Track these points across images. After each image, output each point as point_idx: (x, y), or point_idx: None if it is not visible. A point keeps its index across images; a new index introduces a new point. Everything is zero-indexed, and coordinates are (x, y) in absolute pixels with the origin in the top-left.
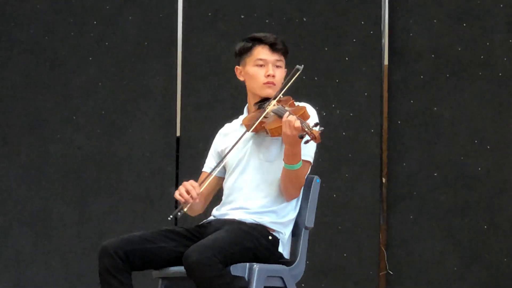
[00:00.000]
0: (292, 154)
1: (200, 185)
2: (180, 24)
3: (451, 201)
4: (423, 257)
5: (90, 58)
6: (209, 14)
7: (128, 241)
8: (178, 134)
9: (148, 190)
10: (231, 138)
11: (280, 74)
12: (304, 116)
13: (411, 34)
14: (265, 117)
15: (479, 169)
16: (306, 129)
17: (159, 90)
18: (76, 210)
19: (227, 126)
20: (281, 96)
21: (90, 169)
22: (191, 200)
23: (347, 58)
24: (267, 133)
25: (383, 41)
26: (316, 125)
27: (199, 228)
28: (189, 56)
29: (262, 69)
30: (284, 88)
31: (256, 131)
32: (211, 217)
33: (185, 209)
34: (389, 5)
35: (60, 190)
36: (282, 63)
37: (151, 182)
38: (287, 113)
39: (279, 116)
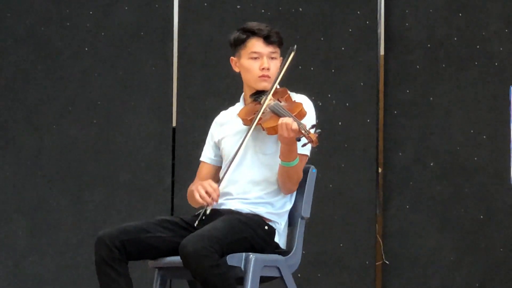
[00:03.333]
0: (288, 152)
1: (218, 185)
2: (176, 14)
3: (447, 191)
4: (419, 247)
5: (86, 49)
6: (205, 4)
7: (124, 231)
8: (174, 124)
9: (144, 181)
10: (227, 128)
11: (275, 65)
12: (300, 114)
13: (407, 24)
14: (262, 112)
15: (475, 159)
16: (303, 132)
17: (155, 80)
18: (72, 201)
19: (223, 114)
20: (277, 87)
21: (86, 160)
22: (213, 203)
23: (343, 48)
24: (263, 129)
25: (379, 30)
26: (313, 127)
27: (196, 218)
28: (185, 46)
29: (257, 62)
30: (281, 73)
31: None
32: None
33: (208, 211)
34: None
35: (56, 181)
36: (277, 55)
37: (147, 173)
38: (285, 115)
39: (276, 114)
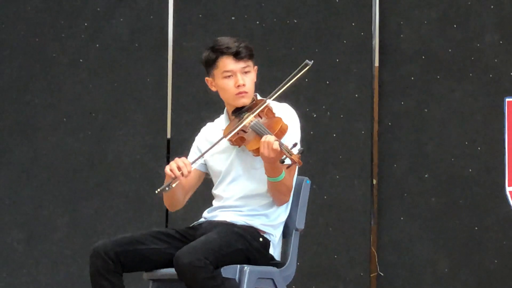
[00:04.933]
0: (272, 169)
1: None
2: (171, 25)
3: (442, 202)
4: (414, 259)
5: (81, 60)
6: (200, 15)
7: (119, 242)
8: (168, 136)
9: (138, 192)
10: (215, 146)
11: (250, 79)
12: (281, 131)
13: (401, 36)
14: (244, 131)
15: (470, 170)
16: (285, 152)
17: (150, 92)
18: (67, 212)
19: (209, 127)
20: (257, 98)
21: (80, 171)
22: (181, 178)
23: (337, 60)
24: (248, 150)
25: (373, 42)
26: (294, 145)
27: (190, 230)
28: (180, 57)
29: (231, 80)
30: (287, 84)
31: (238, 145)
32: (202, 219)
33: (174, 185)
34: (380, 6)
35: (51, 192)
36: (250, 68)
37: (141, 184)
38: (265, 136)
39: (258, 134)
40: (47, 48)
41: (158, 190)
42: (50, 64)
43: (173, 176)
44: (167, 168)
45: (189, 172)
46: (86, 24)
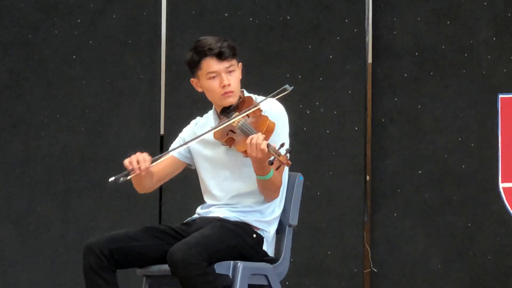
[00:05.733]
0: (260, 168)
1: (153, 161)
2: (164, 22)
3: (435, 199)
4: (407, 255)
5: (74, 57)
6: (193, 12)
7: (112, 239)
8: (162, 132)
9: (132, 188)
10: (203, 143)
11: (235, 78)
12: (269, 130)
13: (395, 32)
14: (233, 131)
15: (463, 166)
16: (273, 153)
17: (143, 88)
18: (60, 208)
19: (199, 122)
20: (244, 95)
21: (74, 168)
22: (137, 171)
23: (331, 56)
24: (237, 151)
25: (367, 39)
26: (282, 145)
27: (184, 226)
28: (173, 54)
29: (216, 80)
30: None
31: (229, 145)
32: (196, 215)
33: (129, 177)
34: (373, 3)
35: (44, 189)
36: (234, 67)
37: None
38: (252, 135)
39: (246, 135)
40: (41, 45)
41: (112, 178)
42: (43, 61)
43: (130, 168)
44: (126, 161)
45: (146, 168)
46: (79, 20)
